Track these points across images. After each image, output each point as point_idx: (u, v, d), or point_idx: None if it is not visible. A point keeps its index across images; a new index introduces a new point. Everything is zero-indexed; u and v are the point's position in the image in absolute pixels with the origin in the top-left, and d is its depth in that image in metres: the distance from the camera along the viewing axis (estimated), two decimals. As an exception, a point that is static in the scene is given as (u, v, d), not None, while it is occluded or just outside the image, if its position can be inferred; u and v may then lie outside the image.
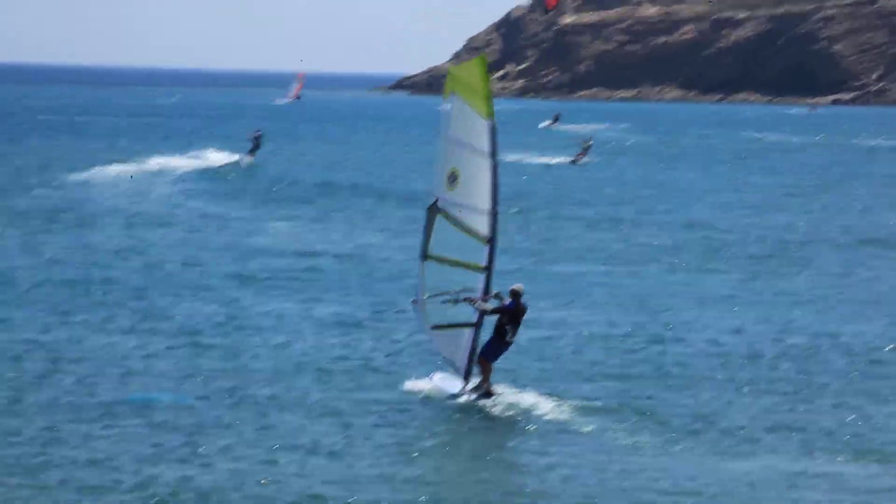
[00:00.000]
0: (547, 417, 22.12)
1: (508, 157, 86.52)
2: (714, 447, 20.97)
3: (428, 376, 24.09)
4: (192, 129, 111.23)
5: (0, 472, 18.49)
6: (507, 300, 23.21)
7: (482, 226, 23.13)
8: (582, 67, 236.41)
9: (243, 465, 19.08)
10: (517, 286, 23.39)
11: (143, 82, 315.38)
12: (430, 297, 23.35)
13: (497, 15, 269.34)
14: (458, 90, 23.27)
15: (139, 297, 32.09)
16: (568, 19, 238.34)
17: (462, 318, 23.24)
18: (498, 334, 23.16)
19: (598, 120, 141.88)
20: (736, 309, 33.04)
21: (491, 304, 23.16)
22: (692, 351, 27.90)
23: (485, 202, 23.07)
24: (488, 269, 23.13)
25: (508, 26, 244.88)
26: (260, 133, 77.14)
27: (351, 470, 19.02)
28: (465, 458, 20.36)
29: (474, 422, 22.13)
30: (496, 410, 22.56)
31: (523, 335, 24.57)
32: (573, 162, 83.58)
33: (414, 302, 23.94)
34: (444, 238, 23.32)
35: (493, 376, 23.28)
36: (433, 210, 23.50)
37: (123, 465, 18.95)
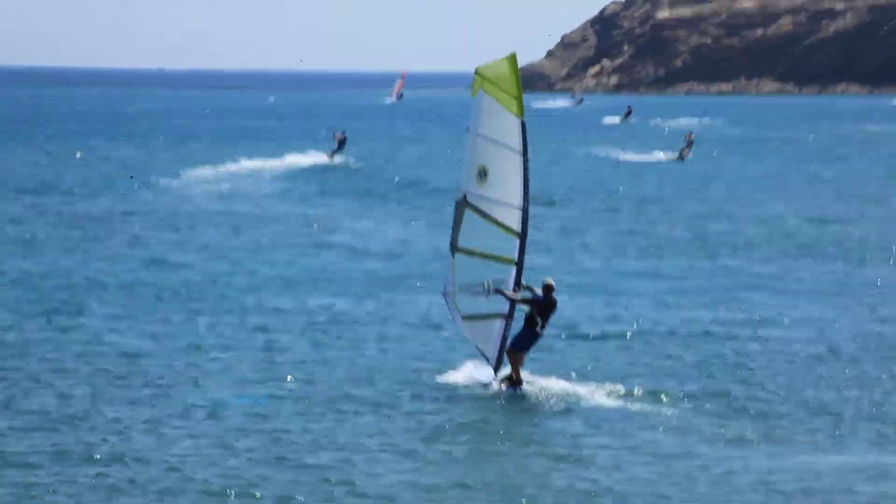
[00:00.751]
0: (622, 408, 22.59)
1: (607, 152, 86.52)
2: (799, 441, 21.15)
3: (460, 367, 24.69)
4: (290, 130, 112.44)
5: (71, 467, 18.96)
6: (539, 292, 23.62)
7: (513, 221, 23.70)
8: (678, 62, 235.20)
9: (323, 461, 19.46)
10: (549, 280, 24.00)
11: (237, 85, 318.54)
12: (460, 288, 23.80)
13: (591, 11, 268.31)
14: (486, 88, 23.80)
15: (227, 297, 32.59)
16: (664, 13, 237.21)
17: (494, 309, 23.83)
18: (529, 325, 23.75)
19: (691, 114, 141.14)
20: (823, 302, 33.16)
21: (521, 295, 23.63)
22: (784, 344, 28.03)
23: (516, 198, 23.64)
24: (519, 263, 23.64)
25: (602, 22, 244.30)
26: (344, 135, 78.08)
27: (420, 472, 19.27)
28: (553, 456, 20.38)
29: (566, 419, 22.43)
30: (599, 407, 22.81)
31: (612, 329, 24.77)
32: (680, 158, 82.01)
33: (444, 294, 24.43)
34: (474, 232, 23.86)
35: (535, 365, 23.74)
36: (462, 204, 24.01)
37: (197, 465, 19.21)
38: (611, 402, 22.98)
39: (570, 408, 22.71)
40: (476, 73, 23.96)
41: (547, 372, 24.53)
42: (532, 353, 24.23)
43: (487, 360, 24.13)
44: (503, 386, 23.82)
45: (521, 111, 23.53)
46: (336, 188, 62.77)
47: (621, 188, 63.00)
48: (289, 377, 24.29)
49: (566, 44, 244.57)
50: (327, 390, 23.56)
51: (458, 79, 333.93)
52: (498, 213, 23.74)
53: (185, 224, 47.45)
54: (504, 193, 23.68)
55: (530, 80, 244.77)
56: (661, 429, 21.52)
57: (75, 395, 22.89)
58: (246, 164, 72.59)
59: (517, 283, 23.72)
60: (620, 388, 23.61)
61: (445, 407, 22.69)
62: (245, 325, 29.14)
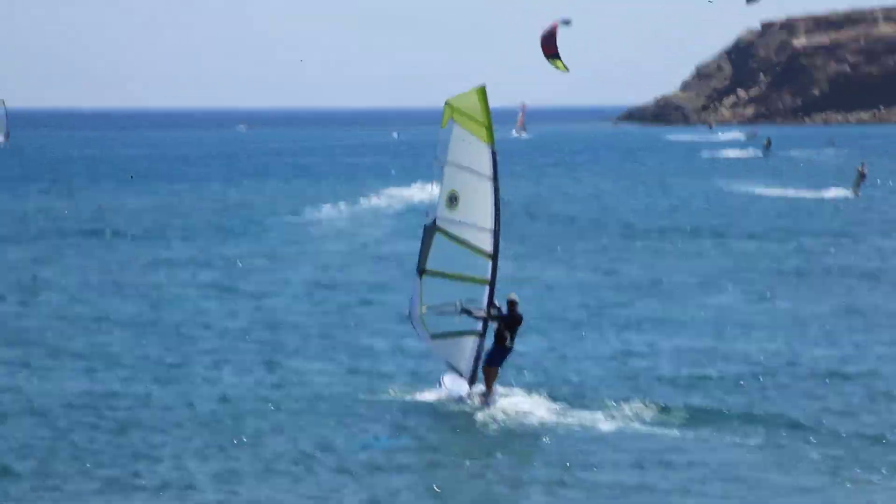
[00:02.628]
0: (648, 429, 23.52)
1: (763, 189, 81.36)
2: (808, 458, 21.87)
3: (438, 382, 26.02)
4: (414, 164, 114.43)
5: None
6: (503, 310, 24.98)
7: (485, 243, 25.05)
8: (816, 90, 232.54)
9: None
10: (512, 295, 25.30)
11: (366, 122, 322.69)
12: (428, 308, 25.19)
13: (726, 41, 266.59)
14: (456, 119, 25.24)
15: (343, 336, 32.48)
16: (800, 41, 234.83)
17: (465, 327, 25.25)
18: (498, 341, 25.06)
19: (816, 145, 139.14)
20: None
21: (489, 312, 25.06)
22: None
23: (487, 221, 25.08)
24: (491, 282, 25.00)
25: (738, 52, 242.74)
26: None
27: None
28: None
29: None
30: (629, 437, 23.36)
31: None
32: (855, 193, 76.20)
33: (408, 315, 25.81)
34: (445, 254, 25.32)
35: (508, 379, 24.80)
36: (432, 229, 25.49)
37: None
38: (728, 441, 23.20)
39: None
40: (446, 104, 25.42)
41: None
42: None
43: (461, 374, 25.41)
44: (479, 400, 25.01)
45: (490, 139, 24.88)
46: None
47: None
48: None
49: (701, 74, 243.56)
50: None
51: (592, 113, 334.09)
52: (469, 236, 25.14)
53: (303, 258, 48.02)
54: (475, 217, 25.06)
55: (664, 112, 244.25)
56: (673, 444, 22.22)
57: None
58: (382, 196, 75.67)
59: (489, 302, 24.97)
60: None
61: (422, 422, 23.95)
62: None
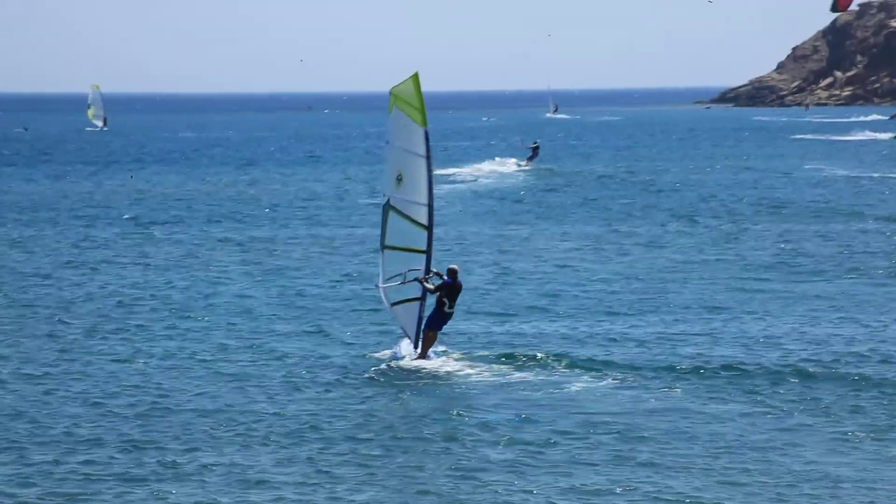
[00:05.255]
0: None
1: None
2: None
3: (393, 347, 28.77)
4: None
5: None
6: (446, 277, 27.51)
7: (422, 216, 27.54)
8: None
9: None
10: (453, 266, 27.90)
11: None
12: (388, 280, 27.71)
13: (822, 22, 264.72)
14: (399, 105, 27.81)
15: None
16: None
17: (412, 294, 27.87)
18: (439, 306, 27.64)
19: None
20: None
21: (433, 283, 27.57)
22: None
23: (423, 197, 27.64)
24: (427, 252, 27.62)
25: (835, 33, 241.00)
26: (537, 144, 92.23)
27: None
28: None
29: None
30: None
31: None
32: None
33: (375, 286, 28.43)
34: (396, 229, 27.97)
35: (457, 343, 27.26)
36: (387, 207, 28.09)
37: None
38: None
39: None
40: (391, 93, 28.04)
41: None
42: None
43: (410, 339, 28.06)
44: (418, 362, 27.70)
45: (424, 122, 27.41)
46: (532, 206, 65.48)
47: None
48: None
49: (797, 56, 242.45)
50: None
51: (686, 94, 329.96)
52: (411, 211, 27.74)
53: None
54: (415, 194, 27.65)
55: (759, 94, 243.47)
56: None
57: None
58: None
59: (427, 270, 27.58)
60: None
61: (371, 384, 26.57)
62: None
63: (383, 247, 28.17)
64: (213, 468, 20.73)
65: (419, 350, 27.84)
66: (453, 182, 77.99)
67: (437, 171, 76.31)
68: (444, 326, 27.84)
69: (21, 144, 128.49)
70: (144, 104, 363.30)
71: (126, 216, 59.18)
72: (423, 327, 27.69)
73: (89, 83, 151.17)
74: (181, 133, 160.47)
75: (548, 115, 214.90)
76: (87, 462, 21.21)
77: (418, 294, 27.70)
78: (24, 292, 37.86)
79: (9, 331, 31.90)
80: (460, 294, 27.71)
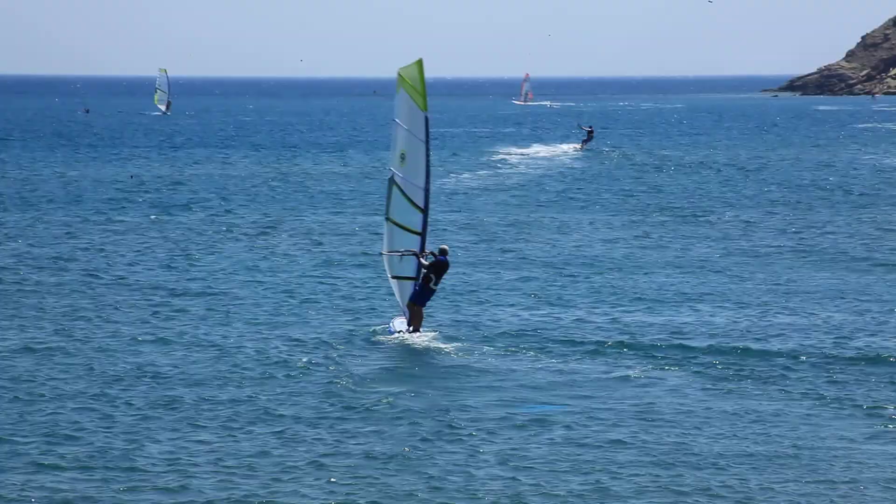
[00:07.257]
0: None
1: None
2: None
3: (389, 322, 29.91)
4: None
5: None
6: (440, 256, 28.77)
7: (419, 199, 28.80)
8: None
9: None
10: (444, 246, 29.09)
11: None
12: (389, 251, 29.14)
13: (893, 9, 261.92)
14: (405, 87, 28.87)
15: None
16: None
17: (407, 272, 29.04)
18: (425, 282, 28.81)
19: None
20: None
21: (427, 261, 28.86)
22: None
23: (421, 179, 28.76)
24: (423, 234, 28.81)
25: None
26: (591, 128, 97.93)
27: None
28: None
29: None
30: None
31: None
32: None
33: (380, 254, 29.95)
34: (398, 205, 29.10)
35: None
36: (391, 182, 29.28)
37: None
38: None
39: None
40: (398, 74, 29.01)
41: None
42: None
43: (405, 314, 29.27)
44: (412, 333, 28.93)
45: (425, 106, 28.55)
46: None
47: None
48: None
49: (867, 44, 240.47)
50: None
51: (743, 83, 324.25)
52: (410, 192, 28.87)
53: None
54: (414, 175, 28.77)
55: (827, 82, 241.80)
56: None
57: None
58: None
59: (421, 251, 28.79)
60: None
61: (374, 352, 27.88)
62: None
63: (387, 218, 29.32)
64: (196, 454, 20.87)
65: (411, 327, 28.98)
66: (525, 162, 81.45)
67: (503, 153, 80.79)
68: (428, 302, 28.96)
69: (76, 126, 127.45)
70: (224, 88, 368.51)
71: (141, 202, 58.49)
72: (408, 300, 28.89)
73: (160, 67, 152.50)
74: (241, 116, 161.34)
75: (514, 101, 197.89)
76: (72, 450, 21.16)
77: (413, 274, 28.84)
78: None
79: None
80: (447, 272, 28.75)
